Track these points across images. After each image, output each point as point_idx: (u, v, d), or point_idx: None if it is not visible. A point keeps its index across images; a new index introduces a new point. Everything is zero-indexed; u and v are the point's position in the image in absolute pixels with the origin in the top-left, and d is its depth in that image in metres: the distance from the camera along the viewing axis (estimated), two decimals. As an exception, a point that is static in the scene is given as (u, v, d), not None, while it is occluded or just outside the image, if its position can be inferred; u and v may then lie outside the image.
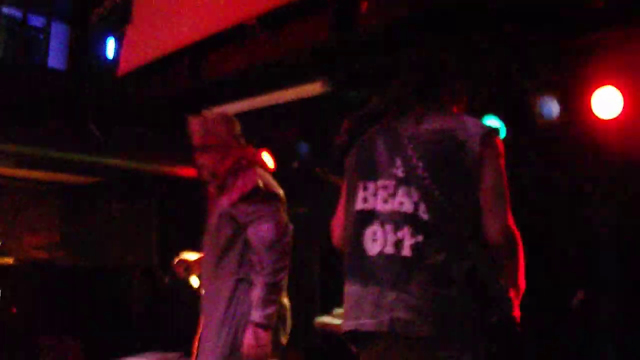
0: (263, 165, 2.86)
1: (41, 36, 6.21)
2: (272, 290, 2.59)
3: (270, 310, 2.58)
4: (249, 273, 2.65)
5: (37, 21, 6.54)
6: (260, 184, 2.68)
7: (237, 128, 2.84)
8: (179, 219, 6.11)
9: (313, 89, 3.86)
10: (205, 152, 2.73)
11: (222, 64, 4.00)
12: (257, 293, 2.58)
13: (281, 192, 2.78)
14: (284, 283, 2.66)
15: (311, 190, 4.67)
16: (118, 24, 5.07)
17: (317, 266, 5.04)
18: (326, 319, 3.62)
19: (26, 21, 6.04)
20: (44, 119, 5.14)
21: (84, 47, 5.47)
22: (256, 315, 2.56)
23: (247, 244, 2.65)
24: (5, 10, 6.12)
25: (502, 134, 3.43)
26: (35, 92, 5.30)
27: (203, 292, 2.83)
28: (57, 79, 5.84)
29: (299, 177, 4.62)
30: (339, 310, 3.48)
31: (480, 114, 3.38)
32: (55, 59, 6.60)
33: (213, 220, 2.76)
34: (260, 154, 2.92)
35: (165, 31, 4.38)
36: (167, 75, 4.43)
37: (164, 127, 4.87)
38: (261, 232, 2.61)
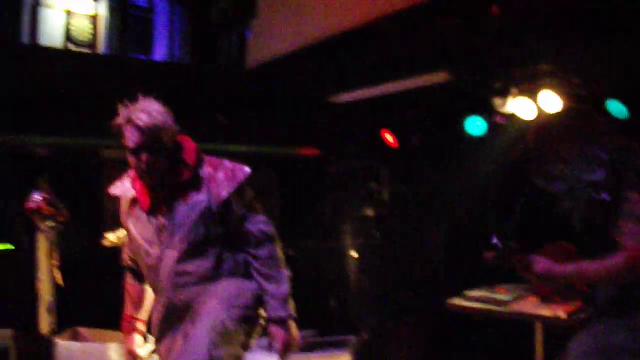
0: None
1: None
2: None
3: (291, 302, 2.52)
4: (243, 268, 2.51)
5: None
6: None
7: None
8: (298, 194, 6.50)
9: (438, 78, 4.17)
10: (156, 151, 2.38)
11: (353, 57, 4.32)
12: (284, 287, 2.48)
13: None
14: None
15: (432, 168, 4.99)
16: (242, 18, 5.46)
17: (441, 247, 5.28)
18: (459, 301, 3.65)
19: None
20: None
21: (208, 41, 5.87)
22: (288, 309, 2.48)
23: (228, 239, 2.48)
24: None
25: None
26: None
27: (163, 300, 2.52)
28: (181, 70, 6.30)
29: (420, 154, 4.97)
30: (471, 292, 3.67)
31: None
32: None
33: (169, 219, 2.44)
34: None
35: (293, 26, 4.71)
36: (297, 67, 4.79)
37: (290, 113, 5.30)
38: (262, 224, 2.50)
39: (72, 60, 5.89)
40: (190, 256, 2.44)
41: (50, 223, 3.55)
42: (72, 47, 8.81)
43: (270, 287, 2.48)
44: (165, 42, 8.49)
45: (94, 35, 8.64)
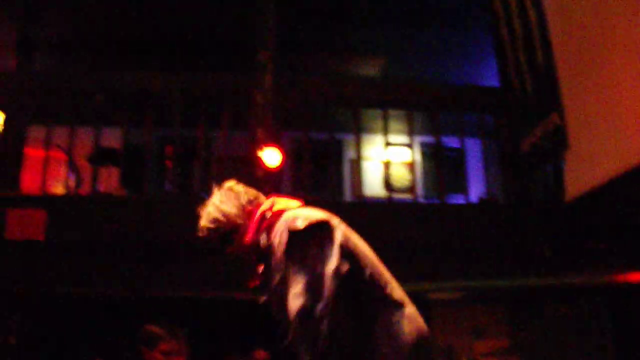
0: None
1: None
2: None
3: None
4: None
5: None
6: None
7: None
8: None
9: None
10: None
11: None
12: None
13: None
14: None
15: None
16: (553, 151, 5.35)
17: None
18: None
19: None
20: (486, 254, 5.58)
21: (521, 175, 5.84)
22: None
23: None
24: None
25: None
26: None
27: None
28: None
29: None
30: None
31: None
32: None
33: None
34: None
35: (611, 151, 4.47)
36: (619, 194, 4.49)
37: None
38: None
39: (392, 208, 6.30)
40: None
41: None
42: (391, 195, 9.52)
43: None
44: (478, 179, 8.67)
45: (411, 181, 9.23)
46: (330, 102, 5.50)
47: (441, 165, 6.39)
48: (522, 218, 5.51)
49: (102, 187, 6.51)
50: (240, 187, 2.47)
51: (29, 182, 6.68)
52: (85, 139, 6.07)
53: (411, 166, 9.31)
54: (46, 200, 5.45)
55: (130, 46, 7.01)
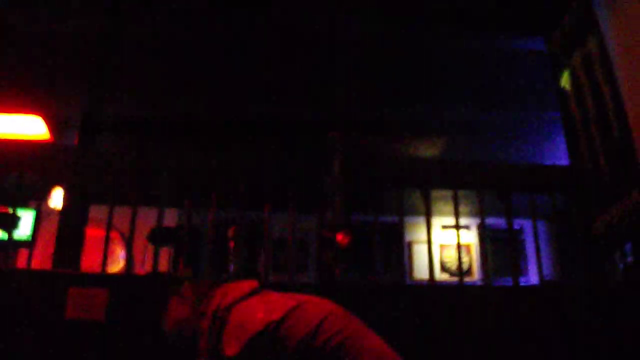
0: None
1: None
2: None
3: None
4: None
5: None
6: None
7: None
8: None
9: None
10: None
11: None
12: None
13: None
14: None
15: None
16: (633, 231, 5.13)
17: None
18: None
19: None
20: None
21: (592, 258, 5.60)
22: None
23: None
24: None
25: None
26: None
27: None
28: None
29: None
30: None
31: None
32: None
33: None
34: None
35: None
36: None
37: None
38: None
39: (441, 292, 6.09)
40: None
41: None
42: (447, 277, 9.29)
43: None
44: (536, 262, 8.41)
45: (468, 263, 9.02)
46: (402, 184, 5.42)
47: (498, 247, 6.24)
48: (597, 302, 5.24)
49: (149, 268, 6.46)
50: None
51: (86, 262, 6.66)
52: (143, 218, 6.06)
53: (467, 248, 9.14)
54: (107, 280, 5.36)
55: (194, 126, 7.10)
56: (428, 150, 7.73)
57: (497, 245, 8.47)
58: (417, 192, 5.99)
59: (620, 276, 5.71)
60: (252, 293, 2.48)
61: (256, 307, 2.33)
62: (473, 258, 9.31)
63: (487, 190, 5.60)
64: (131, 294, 5.24)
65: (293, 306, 2.33)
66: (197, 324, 2.47)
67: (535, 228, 5.64)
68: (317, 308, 2.39)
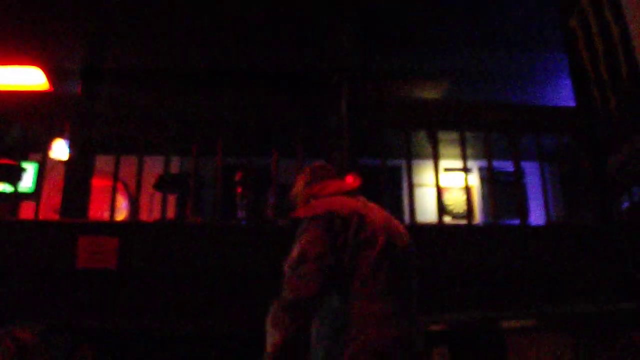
0: None
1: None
2: None
3: None
4: None
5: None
6: None
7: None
8: None
9: None
10: None
11: None
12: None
13: None
14: None
15: None
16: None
17: None
18: None
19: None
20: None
21: (602, 200, 5.62)
22: None
23: None
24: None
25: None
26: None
27: None
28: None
29: None
30: None
31: None
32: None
33: None
34: None
35: None
36: None
37: None
38: None
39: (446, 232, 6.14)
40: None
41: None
42: (449, 220, 9.34)
43: None
44: (540, 203, 8.46)
45: (469, 206, 9.05)
46: (409, 125, 5.36)
47: (498, 189, 6.22)
48: (607, 240, 5.30)
49: (157, 215, 6.44)
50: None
51: (93, 211, 6.65)
52: (145, 168, 6.01)
53: (468, 191, 9.18)
54: (117, 228, 5.35)
55: (201, 74, 6.99)
56: (433, 92, 7.68)
57: (497, 188, 8.49)
58: (419, 134, 5.96)
59: (624, 215, 5.76)
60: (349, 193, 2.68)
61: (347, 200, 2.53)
62: (474, 200, 9.36)
63: (495, 130, 5.58)
64: (142, 240, 5.25)
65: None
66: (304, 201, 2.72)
67: (542, 169, 5.66)
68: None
